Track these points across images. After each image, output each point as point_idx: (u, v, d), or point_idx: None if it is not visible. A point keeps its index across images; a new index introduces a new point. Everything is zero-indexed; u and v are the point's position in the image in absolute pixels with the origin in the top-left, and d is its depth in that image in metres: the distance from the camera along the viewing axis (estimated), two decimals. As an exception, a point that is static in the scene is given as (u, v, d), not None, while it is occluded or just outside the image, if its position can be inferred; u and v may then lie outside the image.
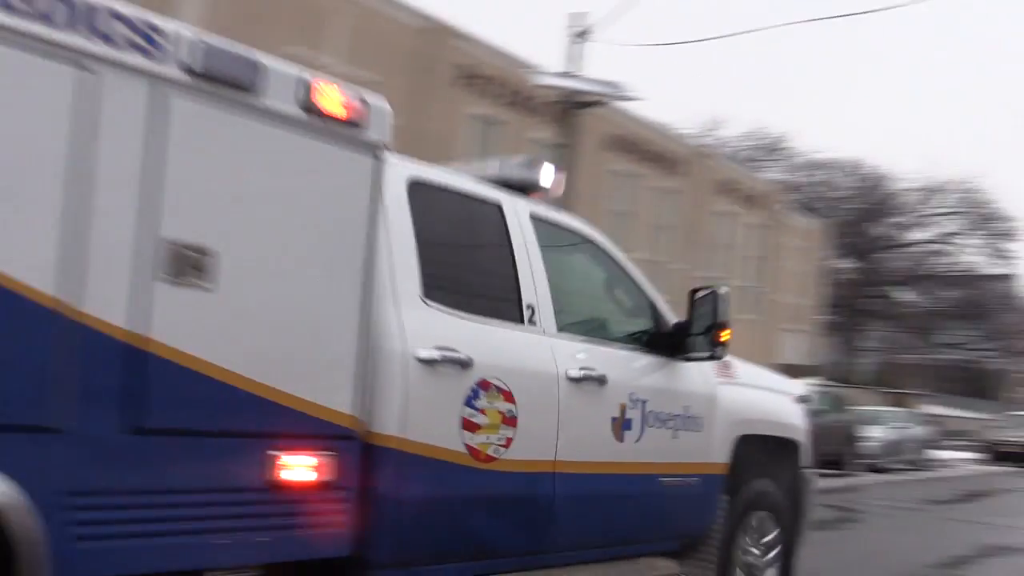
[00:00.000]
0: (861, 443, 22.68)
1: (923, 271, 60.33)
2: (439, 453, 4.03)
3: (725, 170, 41.41)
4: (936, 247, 61.09)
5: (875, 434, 24.02)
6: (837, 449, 20.56)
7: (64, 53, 2.88)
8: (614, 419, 4.94)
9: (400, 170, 4.14)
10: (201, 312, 3.26)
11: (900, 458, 25.32)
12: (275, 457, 3.48)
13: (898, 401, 39.70)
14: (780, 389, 6.42)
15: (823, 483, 16.89)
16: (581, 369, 4.73)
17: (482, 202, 4.61)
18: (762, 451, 5.85)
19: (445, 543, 4.16)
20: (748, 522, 5.82)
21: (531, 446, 4.45)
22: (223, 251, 3.28)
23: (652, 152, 35.59)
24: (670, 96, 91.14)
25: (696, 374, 5.45)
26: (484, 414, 4.23)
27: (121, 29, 3.04)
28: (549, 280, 4.75)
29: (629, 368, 5.10)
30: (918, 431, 27.80)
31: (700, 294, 5.29)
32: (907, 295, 61.91)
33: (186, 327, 3.21)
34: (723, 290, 5.26)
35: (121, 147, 3.05)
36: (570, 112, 19.87)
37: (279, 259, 3.49)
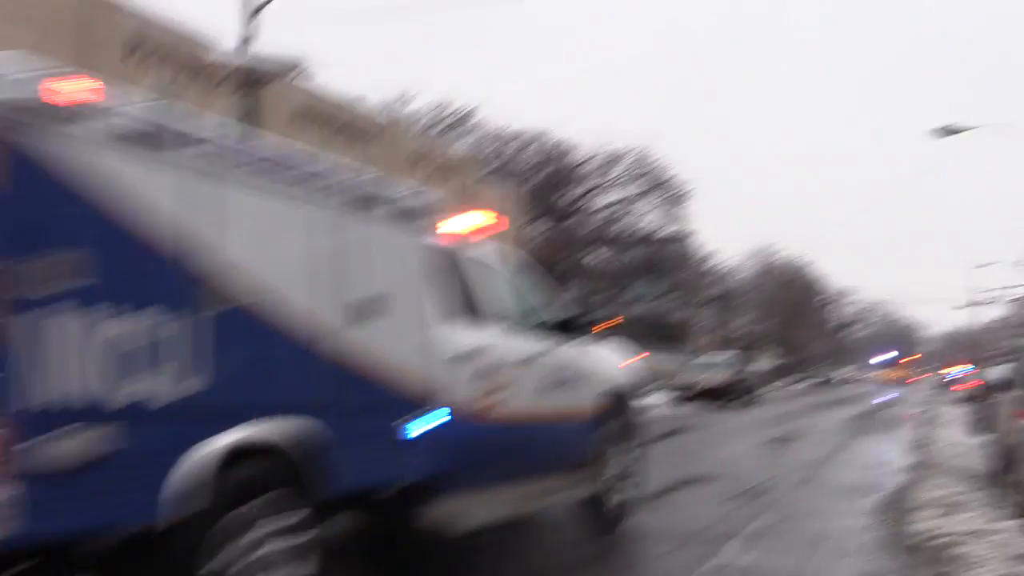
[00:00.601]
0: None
1: (609, 234, 63.77)
2: (466, 412, 6.16)
3: (417, 142, 41.64)
4: (618, 211, 64.75)
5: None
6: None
7: (310, 197, 5.03)
8: (542, 383, 7.28)
9: None
10: (371, 336, 5.33)
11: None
12: (404, 418, 5.55)
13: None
14: (616, 357, 9.06)
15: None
16: (526, 353, 7.06)
17: (455, 248, 6.77)
18: (614, 399, 8.38)
19: (468, 467, 6.16)
20: (609, 446, 8.30)
21: (507, 405, 6.65)
22: (378, 297, 5.39)
23: (343, 125, 35.11)
24: (361, 68, 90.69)
25: (579, 350, 7.99)
26: (486, 386, 6.45)
27: (329, 181, 5.22)
28: (499, 295, 7.15)
29: (547, 349, 7.43)
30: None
31: (581, 298, 8.19)
32: (597, 257, 65.25)
33: (364, 346, 5.29)
34: (596, 297, 8.09)
35: (340, 240, 5.18)
36: (252, 86, 19.03)
37: (395, 296, 5.56)
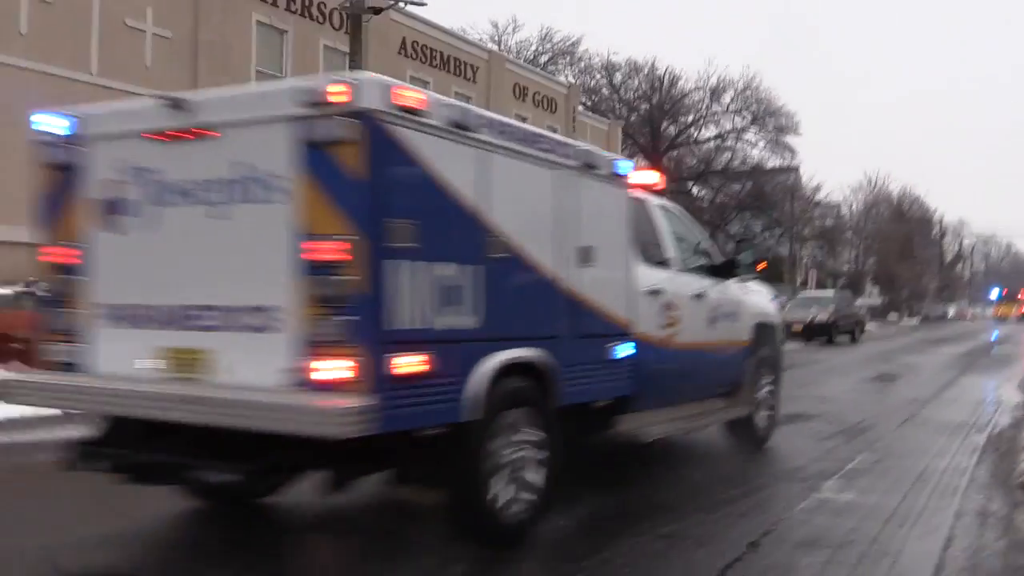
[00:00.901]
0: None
1: (716, 166, 62.61)
2: (654, 340, 7.39)
3: (520, 74, 41.49)
4: (725, 142, 63.44)
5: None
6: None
7: (551, 164, 6.14)
8: (709, 317, 8.48)
9: None
10: (590, 276, 6.45)
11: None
12: (611, 345, 6.73)
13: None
14: (766, 293, 10.46)
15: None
16: (696, 290, 8.26)
17: (640, 201, 7.75)
18: (762, 331, 9.61)
19: (654, 387, 7.32)
20: (759, 372, 9.53)
21: (683, 335, 7.86)
22: (595, 245, 6.49)
23: (447, 58, 35.26)
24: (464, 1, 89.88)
25: (736, 288, 9.11)
26: (668, 319, 7.65)
27: (565, 150, 6.37)
28: (675, 241, 8.24)
29: (711, 287, 8.58)
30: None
31: (742, 240, 10.43)
32: (701, 190, 64.27)
33: (586, 285, 6.42)
34: (756, 240, 11.95)
35: (570, 199, 6.32)
36: (359, 18, 19.23)
37: (606, 244, 6.67)
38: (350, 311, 4.62)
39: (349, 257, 4.62)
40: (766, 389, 9.71)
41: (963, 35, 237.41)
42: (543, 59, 60.34)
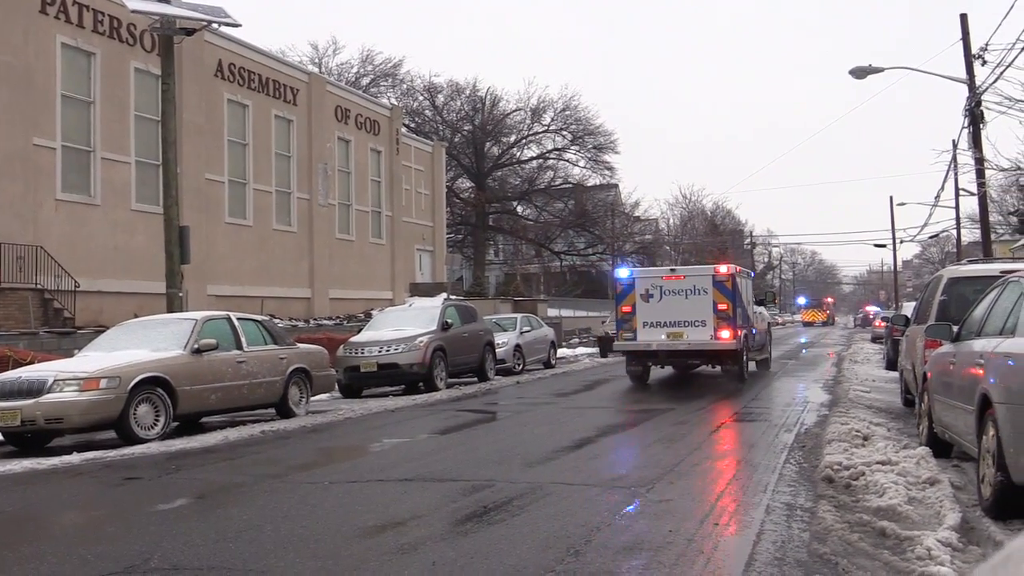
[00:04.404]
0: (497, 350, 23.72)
1: (538, 184, 63.78)
2: (756, 328, 24.77)
3: (342, 96, 41.09)
4: (546, 162, 64.96)
5: (503, 340, 25.03)
6: (479, 357, 21.30)
7: (743, 276, 24.28)
8: (759, 319, 26.70)
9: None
10: (750, 309, 23.83)
11: (529, 360, 26.64)
12: (753, 330, 24.54)
13: (524, 308, 41.85)
14: (765, 310, 30.80)
15: (464, 391, 17.84)
16: (758, 311, 26.84)
17: (747, 276, 27.46)
18: (768, 325, 30.96)
19: (754, 344, 24.30)
20: (768, 340, 29.01)
21: (757, 326, 25.62)
22: (749, 298, 24.13)
23: (267, 80, 34.67)
24: (282, 22, 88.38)
25: (762, 308, 29.48)
26: (755, 320, 24.84)
27: (747, 272, 25.57)
28: (750, 293, 26.13)
29: (759, 308, 27.37)
30: (543, 333, 29.20)
31: (768, 291, 30.94)
32: (525, 209, 65.37)
33: (749, 312, 24.32)
34: (769, 293, 30.49)
35: (746, 286, 24.57)
36: (170, 40, 18.58)
37: (750, 297, 24.79)
38: (729, 320, 20.87)
39: (728, 308, 21.03)
40: (770, 348, 28.26)
41: (767, 60, 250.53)
42: (365, 81, 61.89)
